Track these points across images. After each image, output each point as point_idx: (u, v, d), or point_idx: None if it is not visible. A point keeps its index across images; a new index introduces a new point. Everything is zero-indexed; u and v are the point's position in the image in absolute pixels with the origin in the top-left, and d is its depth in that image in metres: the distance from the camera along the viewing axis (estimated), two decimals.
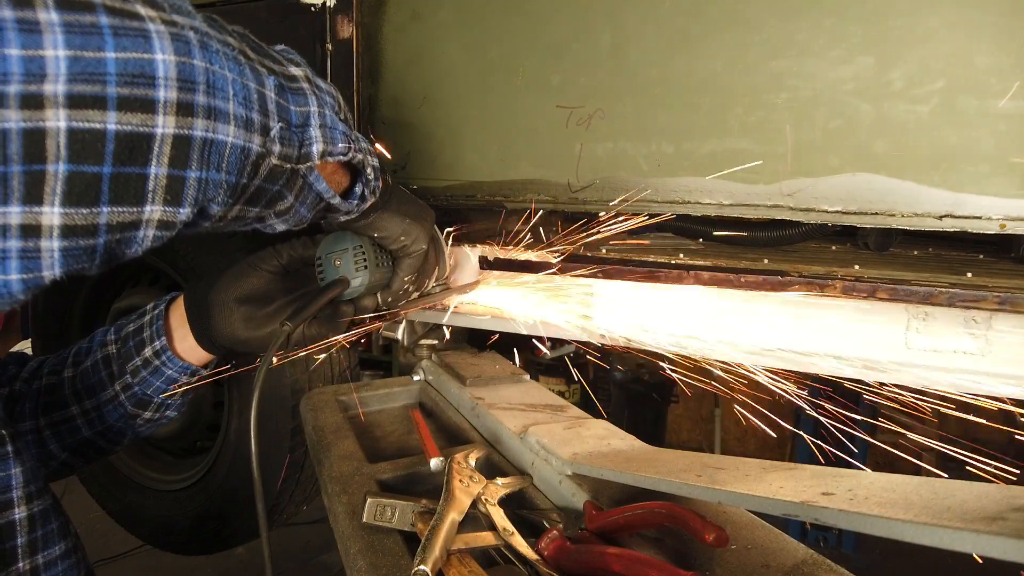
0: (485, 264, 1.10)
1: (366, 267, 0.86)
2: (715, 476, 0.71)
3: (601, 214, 1.02)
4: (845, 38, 0.80)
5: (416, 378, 1.37)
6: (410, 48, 1.17)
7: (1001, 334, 0.78)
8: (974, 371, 0.80)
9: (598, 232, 1.04)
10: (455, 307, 1.14)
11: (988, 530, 0.44)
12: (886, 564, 3.04)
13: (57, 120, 0.42)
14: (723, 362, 0.95)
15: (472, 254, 1.10)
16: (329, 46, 1.23)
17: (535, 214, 1.08)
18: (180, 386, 0.91)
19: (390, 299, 0.91)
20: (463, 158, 1.13)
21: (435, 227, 1.00)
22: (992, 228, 0.76)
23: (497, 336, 1.23)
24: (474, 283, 1.09)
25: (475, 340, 1.52)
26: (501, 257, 1.08)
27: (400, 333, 1.36)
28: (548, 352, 1.28)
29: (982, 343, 0.79)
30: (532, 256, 1.06)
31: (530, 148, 1.06)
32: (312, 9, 1.23)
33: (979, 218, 0.77)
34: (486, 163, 1.11)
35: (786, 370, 0.91)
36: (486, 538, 0.74)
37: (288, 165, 0.61)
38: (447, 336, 1.39)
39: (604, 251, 1.04)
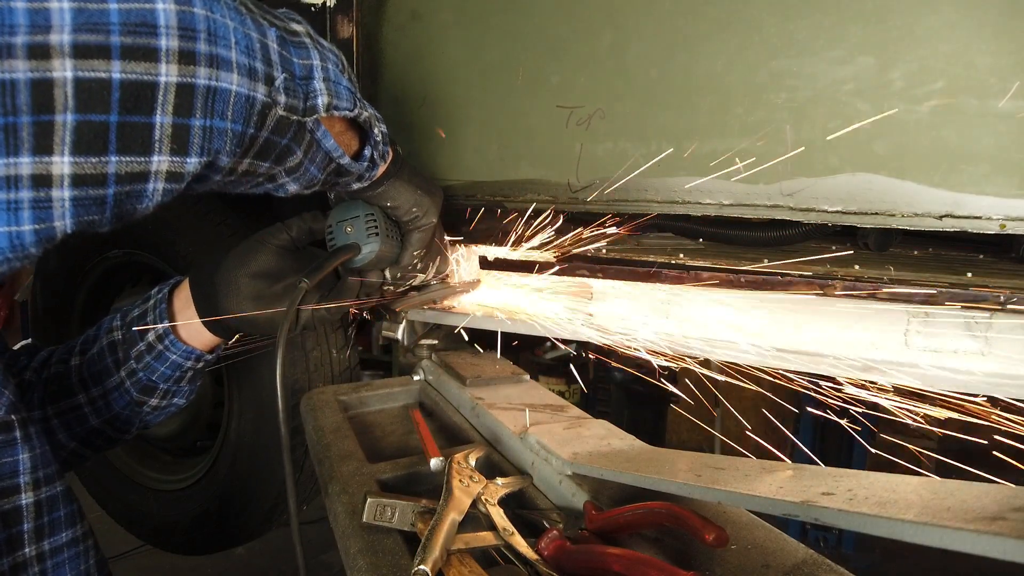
0: (485, 264, 1.09)
1: (377, 234, 0.85)
2: (715, 476, 0.71)
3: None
4: (845, 38, 0.80)
5: (416, 378, 1.37)
6: (410, 48, 1.17)
7: (1001, 334, 0.78)
8: (974, 371, 0.80)
9: (601, 232, 1.04)
10: (455, 307, 1.14)
11: (988, 530, 0.44)
12: (886, 564, 3.04)
13: (64, 70, 0.43)
14: (723, 362, 0.95)
15: (472, 254, 1.10)
16: None
17: (535, 214, 1.07)
18: (185, 372, 0.89)
19: (399, 274, 0.91)
20: (463, 158, 1.13)
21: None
22: (992, 228, 0.76)
23: (499, 334, 1.22)
24: (475, 282, 1.09)
25: (475, 340, 1.52)
26: (501, 257, 1.08)
27: (400, 333, 1.36)
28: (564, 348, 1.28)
29: (982, 343, 0.79)
30: (532, 256, 1.06)
31: (530, 148, 1.06)
32: (312, 9, 1.23)
33: (979, 218, 0.76)
34: (486, 163, 1.11)
35: (786, 370, 0.91)
36: (486, 538, 0.74)
37: (294, 117, 0.62)
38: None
39: (604, 251, 1.04)
